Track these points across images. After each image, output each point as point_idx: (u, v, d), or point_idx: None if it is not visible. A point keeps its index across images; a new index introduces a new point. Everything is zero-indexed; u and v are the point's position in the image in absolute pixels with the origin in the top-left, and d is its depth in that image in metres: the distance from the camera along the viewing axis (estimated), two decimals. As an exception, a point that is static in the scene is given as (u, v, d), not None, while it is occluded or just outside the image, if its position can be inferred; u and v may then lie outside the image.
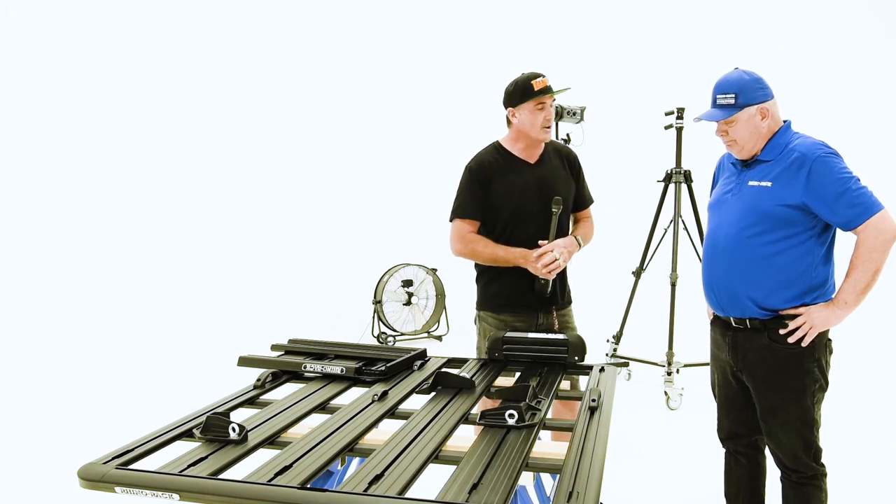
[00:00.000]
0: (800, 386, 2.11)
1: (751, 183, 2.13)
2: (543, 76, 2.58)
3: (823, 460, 2.18)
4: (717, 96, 2.14)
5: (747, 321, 2.16)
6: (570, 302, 2.80)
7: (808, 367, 2.10)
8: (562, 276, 2.72)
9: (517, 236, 2.62)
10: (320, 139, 7.40)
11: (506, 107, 2.64)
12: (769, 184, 2.08)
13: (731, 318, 2.20)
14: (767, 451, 2.32)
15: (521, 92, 2.56)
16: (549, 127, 2.60)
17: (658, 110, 4.61)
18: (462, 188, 2.67)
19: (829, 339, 2.16)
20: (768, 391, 2.16)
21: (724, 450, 2.45)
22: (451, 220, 2.69)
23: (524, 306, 2.65)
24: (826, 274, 2.11)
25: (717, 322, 2.32)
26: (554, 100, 2.63)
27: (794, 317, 2.08)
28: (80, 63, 6.10)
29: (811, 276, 2.07)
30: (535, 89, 2.54)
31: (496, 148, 2.69)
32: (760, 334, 2.14)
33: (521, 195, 2.61)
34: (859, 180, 2.01)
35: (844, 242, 2.11)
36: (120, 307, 6.11)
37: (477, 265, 2.75)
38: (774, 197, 2.06)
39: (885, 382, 4.73)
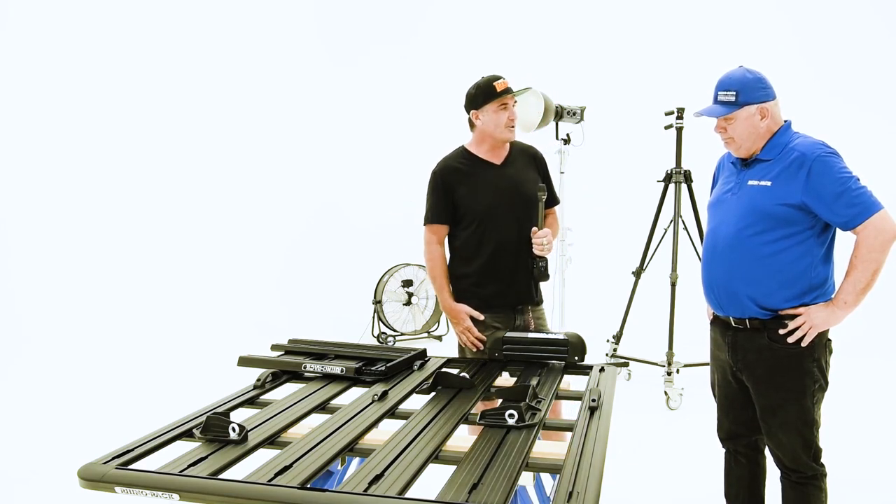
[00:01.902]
0: (799, 386, 2.11)
1: (750, 182, 2.13)
2: (503, 78, 2.65)
3: (823, 460, 2.18)
4: (719, 93, 2.14)
5: (747, 321, 2.16)
6: (541, 301, 2.84)
7: (808, 367, 2.10)
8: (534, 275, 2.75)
9: (491, 236, 2.65)
10: (320, 139, 7.40)
11: (468, 110, 2.69)
12: (769, 183, 2.08)
13: (731, 318, 2.20)
14: (767, 451, 2.32)
15: (484, 94, 2.62)
16: (512, 126, 2.66)
17: (658, 110, 4.61)
18: (428, 193, 2.74)
19: (829, 339, 2.15)
20: (768, 391, 2.16)
21: (723, 450, 2.45)
22: (424, 224, 2.77)
23: (500, 306, 2.68)
24: (826, 274, 2.11)
25: (716, 322, 2.32)
26: (515, 101, 2.69)
27: (794, 317, 2.08)
28: (81, 63, 6.10)
29: (811, 275, 2.07)
30: (497, 90, 2.60)
31: (461, 152, 2.74)
32: (760, 334, 2.13)
33: (490, 196, 2.65)
34: (859, 180, 2.01)
35: (844, 242, 2.11)
36: (120, 307, 6.11)
37: (451, 267, 2.78)
38: (774, 196, 2.06)
39: (885, 382, 4.73)
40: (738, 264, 2.13)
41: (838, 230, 2.09)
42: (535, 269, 2.66)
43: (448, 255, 2.79)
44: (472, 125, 2.72)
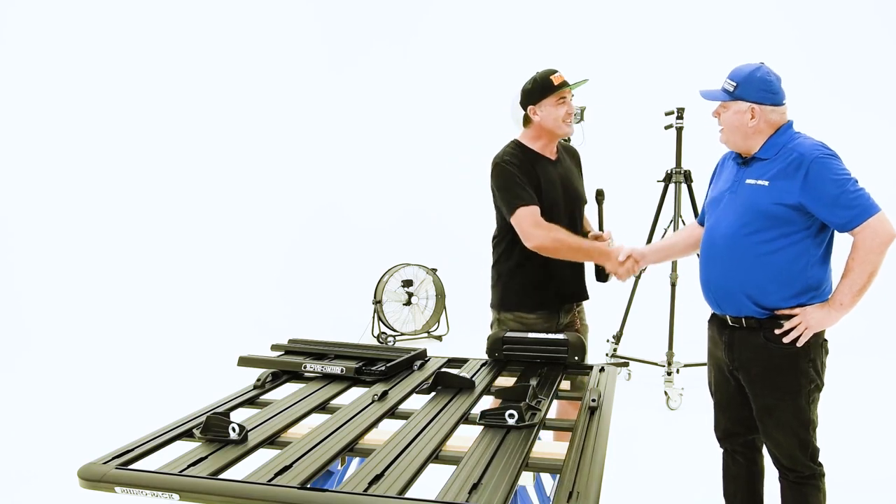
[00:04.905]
0: (795, 386, 2.11)
1: (748, 181, 2.13)
2: (559, 71, 2.61)
3: (821, 460, 2.18)
4: (725, 80, 2.17)
5: (743, 320, 2.16)
6: (588, 297, 2.83)
7: (804, 367, 2.11)
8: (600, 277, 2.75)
9: None
10: (320, 139, 7.40)
11: (524, 106, 2.61)
12: (766, 183, 2.08)
13: (728, 317, 2.21)
14: (765, 451, 2.33)
15: (542, 88, 2.57)
16: (570, 121, 2.61)
17: (658, 110, 4.61)
18: (510, 182, 2.53)
19: (825, 340, 2.16)
20: (764, 391, 2.16)
21: (721, 449, 2.45)
22: (512, 214, 2.51)
23: (548, 306, 2.65)
24: (823, 275, 2.11)
25: (713, 320, 2.33)
26: (573, 94, 2.64)
27: (790, 317, 2.08)
28: (81, 63, 6.09)
29: (807, 275, 2.07)
30: (555, 84, 2.56)
31: (518, 145, 2.65)
32: (756, 334, 2.14)
33: (551, 191, 2.61)
34: (857, 182, 2.01)
35: (842, 244, 2.12)
36: (120, 307, 6.11)
37: (497, 266, 2.70)
38: (771, 196, 2.06)
39: (883, 382, 4.73)
40: (736, 263, 2.13)
41: (836, 232, 2.09)
42: (603, 271, 2.67)
43: (499, 251, 2.68)
44: (527, 121, 2.63)
